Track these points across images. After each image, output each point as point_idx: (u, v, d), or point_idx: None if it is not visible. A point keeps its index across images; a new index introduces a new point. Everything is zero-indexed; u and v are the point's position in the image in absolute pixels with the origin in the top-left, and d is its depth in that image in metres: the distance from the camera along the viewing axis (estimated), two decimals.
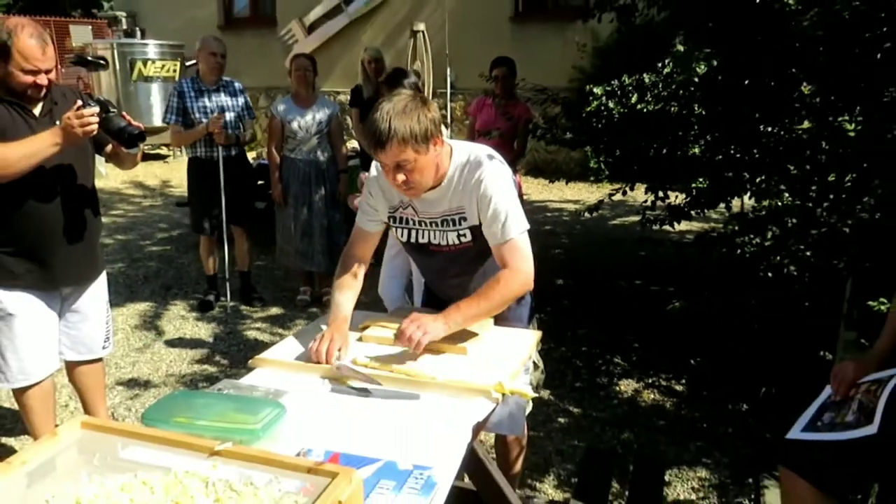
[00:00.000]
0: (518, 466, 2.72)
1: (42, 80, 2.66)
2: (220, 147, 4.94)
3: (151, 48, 11.22)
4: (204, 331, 4.97)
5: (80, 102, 2.67)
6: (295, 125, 5.14)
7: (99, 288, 3.09)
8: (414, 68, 9.19)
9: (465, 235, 2.26)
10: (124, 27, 11.58)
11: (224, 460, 1.47)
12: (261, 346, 4.63)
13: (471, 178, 2.18)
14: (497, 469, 2.21)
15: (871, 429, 1.88)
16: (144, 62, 11.02)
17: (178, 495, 1.41)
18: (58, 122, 2.71)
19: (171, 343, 4.76)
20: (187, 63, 10.68)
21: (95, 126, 2.61)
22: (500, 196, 2.17)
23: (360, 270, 2.38)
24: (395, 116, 2.00)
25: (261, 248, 6.58)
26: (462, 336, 2.17)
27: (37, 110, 2.75)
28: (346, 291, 2.31)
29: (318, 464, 1.35)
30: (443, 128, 2.24)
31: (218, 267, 5.40)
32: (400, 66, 4.93)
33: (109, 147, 2.97)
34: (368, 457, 1.56)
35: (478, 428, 1.84)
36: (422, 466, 1.52)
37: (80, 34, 12.46)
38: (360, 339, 2.26)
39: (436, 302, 2.46)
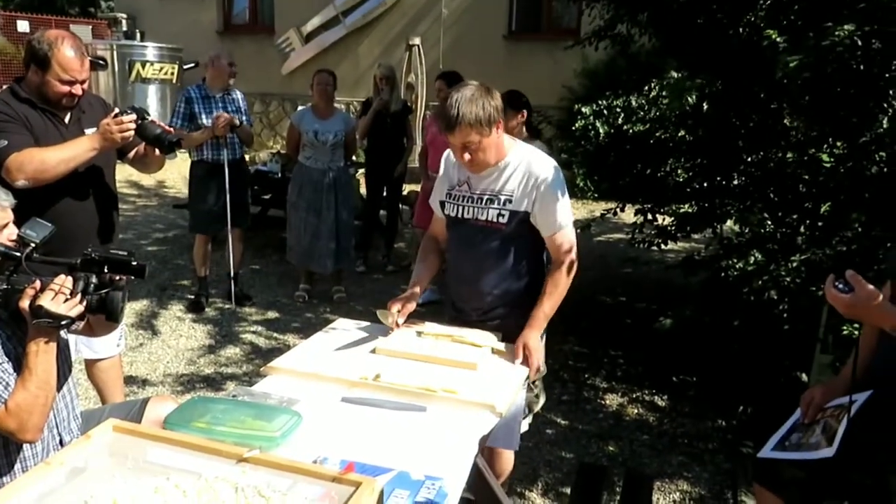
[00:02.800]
0: (504, 477, 2.84)
1: (77, 90, 2.78)
2: (226, 150, 5.08)
3: (150, 50, 11.29)
4: (200, 332, 5.04)
5: (117, 110, 2.80)
6: (312, 136, 5.36)
7: None
8: (408, 81, 9.35)
9: (503, 216, 2.50)
10: (124, 29, 11.64)
11: (252, 467, 1.58)
12: (256, 349, 4.74)
13: (532, 176, 2.46)
14: (494, 479, 2.34)
15: (829, 451, 2.03)
16: (143, 64, 11.09)
17: (210, 499, 1.51)
18: (86, 130, 2.83)
19: (168, 343, 4.83)
20: (185, 66, 10.76)
21: (132, 133, 2.75)
22: (556, 195, 2.48)
23: (438, 247, 2.79)
24: (463, 104, 2.29)
25: (254, 252, 6.69)
26: (470, 352, 2.39)
27: (66, 118, 2.87)
28: (422, 269, 2.74)
29: (342, 473, 1.48)
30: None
31: (210, 269, 5.51)
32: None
33: (132, 153, 3.08)
34: (382, 466, 1.67)
35: (483, 441, 1.98)
36: (433, 477, 1.64)
37: (80, 34, 12.46)
38: (373, 352, 2.39)
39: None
